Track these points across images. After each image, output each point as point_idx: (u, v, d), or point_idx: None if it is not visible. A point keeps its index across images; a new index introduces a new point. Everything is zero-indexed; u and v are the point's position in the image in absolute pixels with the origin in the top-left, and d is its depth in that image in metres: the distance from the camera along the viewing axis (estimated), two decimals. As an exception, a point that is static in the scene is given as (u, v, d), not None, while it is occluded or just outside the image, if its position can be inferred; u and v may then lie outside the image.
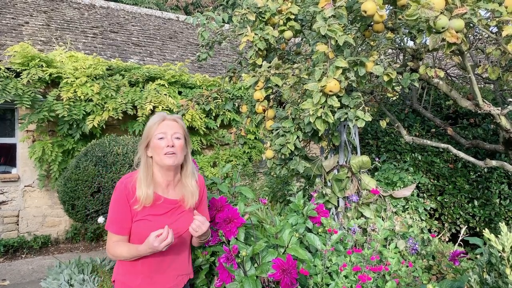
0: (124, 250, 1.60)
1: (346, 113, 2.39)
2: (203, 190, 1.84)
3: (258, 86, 2.90)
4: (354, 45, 2.43)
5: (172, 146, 1.61)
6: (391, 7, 2.61)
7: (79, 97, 5.64)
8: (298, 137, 2.70)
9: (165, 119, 1.66)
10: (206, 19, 3.26)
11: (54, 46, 6.66)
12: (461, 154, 3.00)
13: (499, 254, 1.44)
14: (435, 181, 4.47)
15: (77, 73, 5.72)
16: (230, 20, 3.56)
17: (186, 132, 1.70)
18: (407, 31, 2.62)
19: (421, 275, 2.21)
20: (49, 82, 5.62)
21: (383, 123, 2.99)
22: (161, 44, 8.75)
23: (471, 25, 2.34)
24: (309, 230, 2.31)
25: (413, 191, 3.93)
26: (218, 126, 7.16)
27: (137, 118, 6.06)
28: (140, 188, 1.60)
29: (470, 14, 1.86)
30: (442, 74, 2.61)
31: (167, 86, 6.55)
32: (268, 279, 1.82)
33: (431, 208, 4.31)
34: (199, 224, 1.61)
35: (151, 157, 1.66)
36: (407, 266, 2.15)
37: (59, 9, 8.65)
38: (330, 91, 2.20)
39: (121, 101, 5.91)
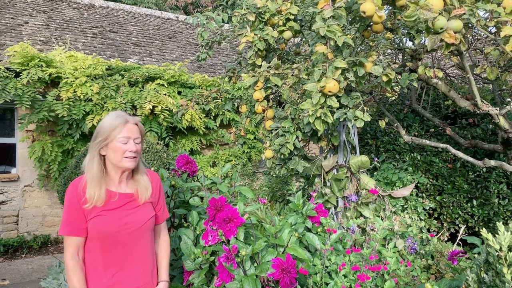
0: (75, 280, 1.57)
1: (345, 113, 2.40)
2: (160, 189, 1.83)
3: (257, 86, 2.91)
4: (353, 45, 2.45)
5: (135, 151, 1.62)
6: (390, 8, 2.62)
7: (79, 97, 5.65)
8: (297, 137, 2.71)
9: (128, 122, 1.62)
10: (206, 19, 3.27)
11: (53, 46, 6.66)
12: (460, 154, 3.01)
13: (497, 253, 1.45)
14: (434, 181, 4.48)
15: (77, 73, 5.73)
16: (230, 20, 3.56)
17: (143, 133, 1.71)
18: (406, 31, 2.63)
19: (420, 275, 2.22)
20: (48, 82, 5.63)
21: (382, 123, 3.00)
22: (161, 44, 8.75)
23: (470, 25, 2.35)
24: (309, 230, 2.32)
25: (412, 190, 3.94)
26: (218, 126, 7.16)
27: (137, 118, 6.07)
28: (91, 188, 1.58)
29: (468, 14, 1.87)
30: (440, 74, 2.63)
31: (166, 86, 6.56)
32: (268, 278, 1.83)
33: (430, 207, 4.32)
34: None
35: (104, 155, 1.64)
36: (406, 266, 2.16)
37: (58, 9, 8.65)
38: (329, 91, 2.21)
39: (121, 101, 5.92)
